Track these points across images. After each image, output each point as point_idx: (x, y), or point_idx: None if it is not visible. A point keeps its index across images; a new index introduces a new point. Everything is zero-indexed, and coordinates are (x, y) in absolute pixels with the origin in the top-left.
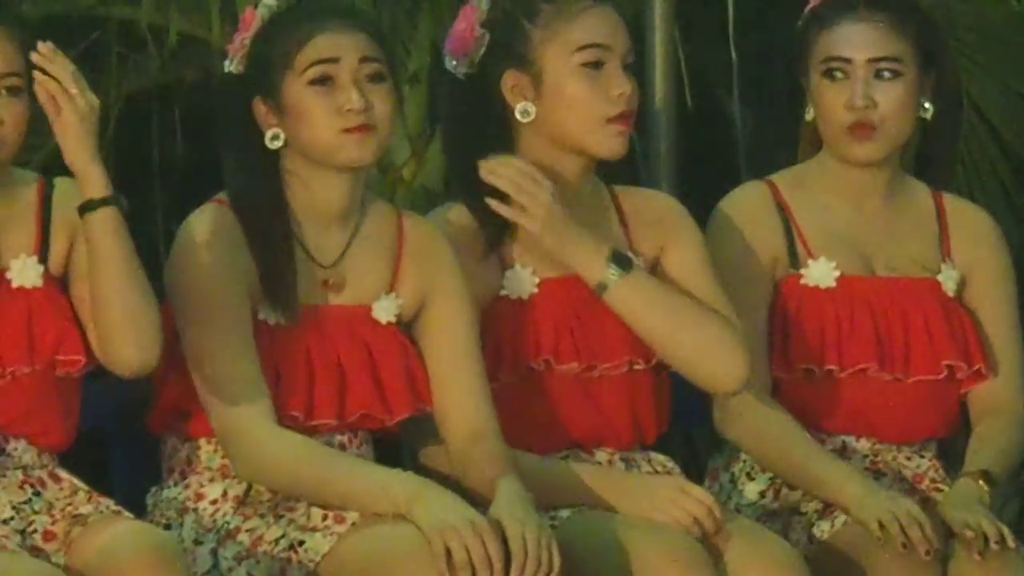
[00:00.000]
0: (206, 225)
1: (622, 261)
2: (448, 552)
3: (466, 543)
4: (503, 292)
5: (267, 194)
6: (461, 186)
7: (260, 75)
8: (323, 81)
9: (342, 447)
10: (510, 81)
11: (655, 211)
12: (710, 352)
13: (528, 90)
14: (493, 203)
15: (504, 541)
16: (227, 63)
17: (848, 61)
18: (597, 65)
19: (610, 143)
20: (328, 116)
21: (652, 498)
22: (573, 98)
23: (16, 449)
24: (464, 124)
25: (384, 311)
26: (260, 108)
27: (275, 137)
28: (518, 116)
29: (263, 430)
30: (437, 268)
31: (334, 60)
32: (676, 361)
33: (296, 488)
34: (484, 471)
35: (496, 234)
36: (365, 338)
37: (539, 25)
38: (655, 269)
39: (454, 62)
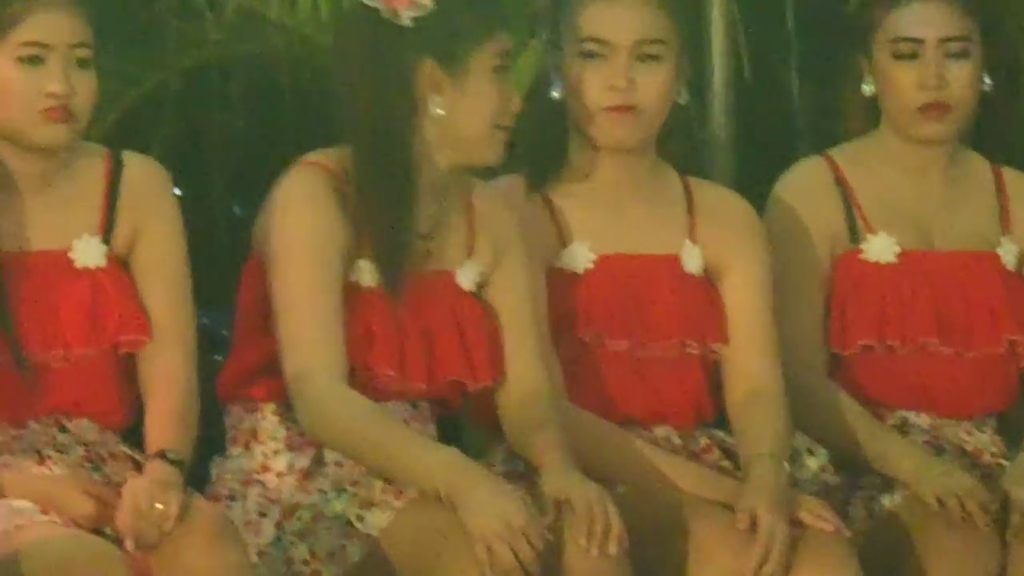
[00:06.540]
0: (305, 185)
1: None
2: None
3: (510, 545)
4: (558, 264)
5: (403, 159)
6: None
7: (439, 39)
8: (502, 70)
9: (404, 423)
10: None
11: (728, 214)
12: None
13: None
14: None
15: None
16: (395, 12)
17: (919, 41)
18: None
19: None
20: (493, 108)
21: None
22: None
23: (79, 427)
24: None
25: (466, 278)
26: (430, 71)
27: (438, 106)
28: None
29: (329, 385)
30: (505, 234)
31: (508, 53)
32: None
33: (350, 447)
34: (535, 435)
35: (539, 174)
36: (451, 304)
37: None
38: (716, 273)
39: None
